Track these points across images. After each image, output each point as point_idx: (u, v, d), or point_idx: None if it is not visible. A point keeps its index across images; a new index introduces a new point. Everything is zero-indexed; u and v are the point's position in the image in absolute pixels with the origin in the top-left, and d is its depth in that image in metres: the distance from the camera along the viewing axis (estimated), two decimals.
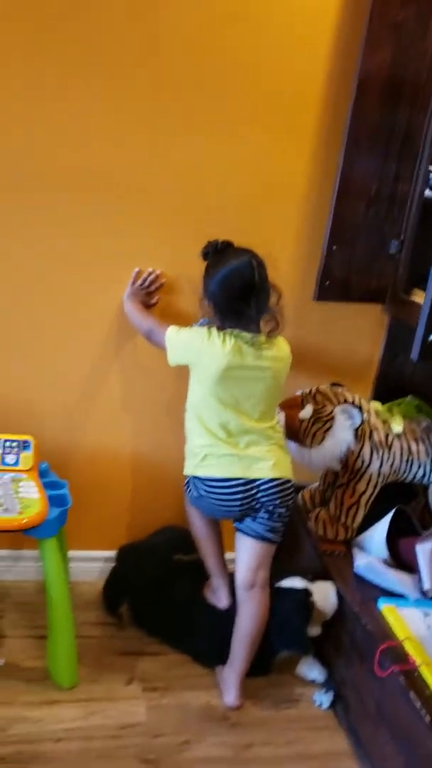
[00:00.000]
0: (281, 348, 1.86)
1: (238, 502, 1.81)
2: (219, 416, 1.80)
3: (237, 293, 1.77)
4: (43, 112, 1.90)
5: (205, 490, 1.83)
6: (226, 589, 2.05)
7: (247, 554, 1.88)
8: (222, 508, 1.84)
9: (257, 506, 1.82)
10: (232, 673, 1.91)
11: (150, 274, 2.08)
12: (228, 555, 2.08)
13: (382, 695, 1.71)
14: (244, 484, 1.79)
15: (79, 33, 1.86)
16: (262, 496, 1.81)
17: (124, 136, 1.97)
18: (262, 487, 1.81)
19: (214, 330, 1.79)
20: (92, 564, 2.32)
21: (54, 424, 2.17)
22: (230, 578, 2.05)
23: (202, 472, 1.83)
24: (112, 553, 2.30)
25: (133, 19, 1.88)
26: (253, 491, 1.80)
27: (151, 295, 2.10)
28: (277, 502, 1.82)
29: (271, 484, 1.81)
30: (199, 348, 1.79)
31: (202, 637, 2.03)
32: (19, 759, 1.64)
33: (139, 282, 2.08)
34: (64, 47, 1.86)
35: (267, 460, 1.82)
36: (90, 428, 2.21)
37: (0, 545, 2.27)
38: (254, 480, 1.80)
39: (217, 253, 1.81)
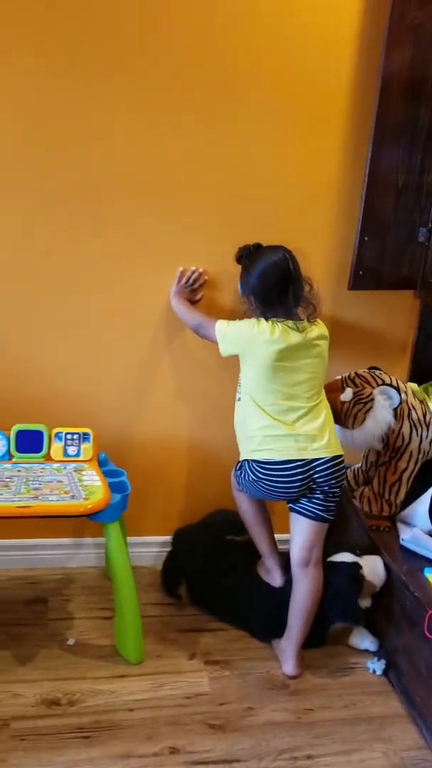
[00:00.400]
0: (321, 328, 1.98)
1: (297, 484, 1.91)
2: (274, 398, 1.91)
3: (276, 284, 1.89)
4: (108, 128, 2.05)
5: (263, 474, 1.94)
6: (279, 570, 2.16)
7: (302, 534, 1.99)
8: (280, 491, 1.94)
9: (313, 486, 1.93)
10: (289, 644, 2.02)
11: (193, 272, 2.21)
12: (277, 536, 2.19)
13: None
14: (302, 466, 1.90)
15: (142, 62, 2.02)
16: (318, 477, 1.92)
17: (172, 148, 2.10)
18: (318, 468, 1.91)
19: (261, 319, 1.91)
20: (148, 549, 2.45)
21: (109, 417, 2.31)
22: (282, 558, 2.16)
23: (260, 456, 1.93)
24: (166, 538, 2.42)
25: (186, 46, 2.02)
26: (310, 472, 1.91)
27: (195, 292, 2.23)
28: (333, 482, 1.93)
29: (326, 465, 1.91)
30: (248, 337, 1.91)
31: (259, 613, 2.14)
32: (97, 727, 1.77)
33: (184, 280, 2.20)
34: (128, 75, 2.01)
35: (321, 439, 1.92)
36: (143, 419, 2.34)
37: (63, 534, 2.41)
38: (311, 461, 1.91)
39: (250, 254, 1.93)
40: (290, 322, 1.90)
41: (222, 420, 2.27)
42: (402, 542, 2.12)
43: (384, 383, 2.19)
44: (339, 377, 2.24)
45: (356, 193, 2.21)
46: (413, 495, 2.23)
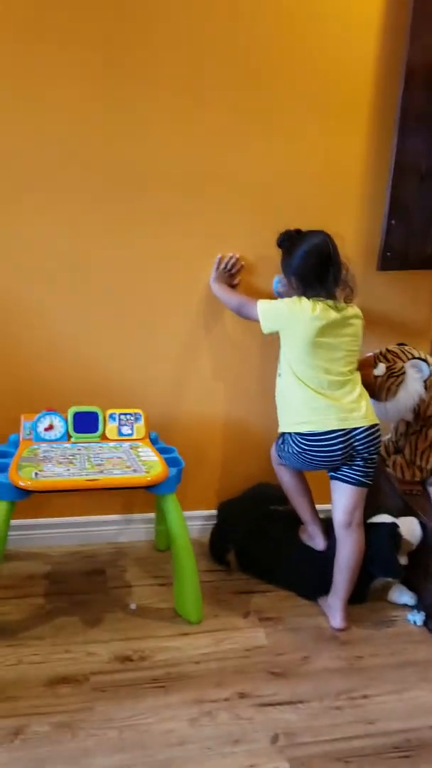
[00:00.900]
0: (356, 309, 2.13)
1: (339, 453, 2.07)
2: (314, 372, 2.06)
3: (318, 265, 2.04)
4: (150, 127, 2.19)
5: (307, 445, 2.09)
6: (321, 534, 2.32)
7: (344, 499, 2.15)
8: (323, 460, 2.10)
9: (354, 454, 2.09)
10: (336, 600, 2.19)
11: (231, 258, 2.35)
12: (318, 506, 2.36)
13: None
14: (343, 435, 2.06)
15: (177, 63, 2.14)
16: (358, 445, 2.07)
17: (209, 142, 2.24)
18: (358, 437, 2.07)
19: (302, 298, 2.06)
20: (192, 523, 2.57)
21: (155, 399, 2.45)
22: (323, 524, 2.33)
23: (303, 429, 2.09)
24: (209, 512, 2.58)
25: (218, 46, 2.14)
26: (351, 441, 2.07)
27: (233, 276, 2.38)
28: (372, 449, 2.09)
29: (365, 433, 2.07)
30: (289, 314, 2.06)
31: (305, 574, 2.31)
32: (169, 678, 1.93)
33: (222, 266, 2.35)
34: (165, 78, 2.14)
35: (359, 409, 2.08)
36: (184, 400, 2.49)
37: (113, 511, 2.56)
38: (352, 430, 2.06)
39: (291, 238, 2.08)
40: (330, 302, 2.06)
41: (258, 399, 2.44)
42: None
43: (414, 357, 2.35)
44: (371, 354, 2.40)
45: (383, 178, 2.36)
46: None
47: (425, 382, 2.32)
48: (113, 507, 2.56)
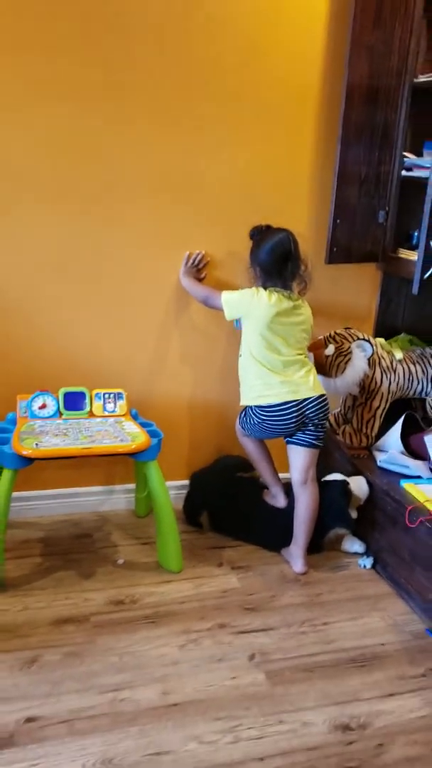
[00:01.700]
0: (307, 304, 2.48)
1: (294, 420, 2.41)
2: (270, 352, 2.39)
3: (279, 259, 2.37)
4: (127, 139, 2.49)
5: (266, 415, 2.43)
6: (283, 494, 2.66)
7: (299, 460, 2.49)
8: (281, 427, 2.44)
9: (306, 421, 2.43)
10: (297, 548, 2.53)
11: (197, 254, 2.67)
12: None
13: (413, 543, 2.34)
14: (296, 405, 2.40)
15: (153, 85, 2.45)
16: (310, 412, 2.42)
17: (179, 152, 2.56)
18: (309, 405, 2.41)
19: (260, 288, 2.39)
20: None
21: (135, 379, 2.75)
22: (283, 486, 2.67)
23: (262, 401, 2.42)
24: (180, 482, 2.89)
25: (187, 71, 2.46)
26: (303, 409, 2.41)
27: (200, 271, 2.70)
28: (321, 415, 2.44)
29: (314, 402, 2.42)
30: (249, 302, 2.40)
31: (269, 529, 2.64)
32: (158, 615, 2.24)
33: (190, 261, 2.67)
34: (141, 97, 2.45)
35: (307, 383, 2.43)
36: (160, 380, 2.79)
37: (96, 482, 2.85)
38: (303, 400, 2.41)
39: (262, 232, 2.41)
40: (285, 292, 2.40)
41: (221, 379, 2.80)
42: (379, 463, 2.65)
43: (359, 338, 2.71)
44: (322, 336, 2.75)
45: (328, 183, 2.71)
46: (384, 429, 2.77)
47: (369, 359, 2.68)
48: (96, 479, 2.85)
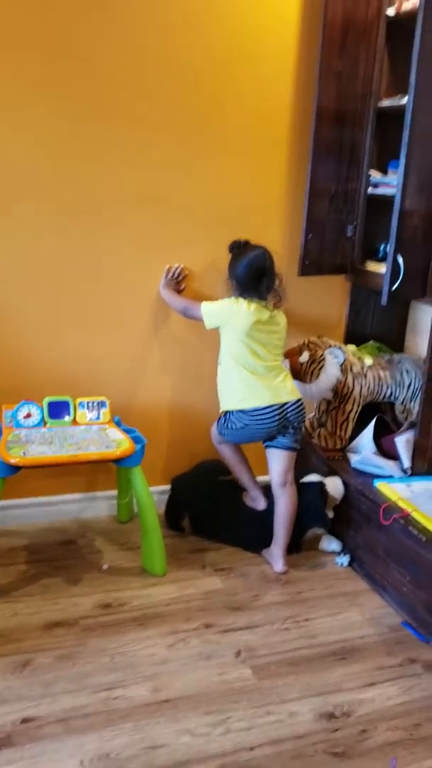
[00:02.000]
0: (282, 315, 2.59)
1: (276, 423, 2.51)
2: (251, 357, 2.50)
3: (254, 275, 2.48)
4: (110, 154, 2.58)
5: (250, 419, 2.52)
6: (262, 496, 2.76)
7: (278, 463, 2.60)
8: (263, 430, 2.53)
9: (286, 424, 2.54)
10: (277, 548, 2.63)
11: (177, 268, 2.77)
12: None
13: (387, 540, 2.46)
14: (278, 408, 2.51)
15: (142, 108, 2.56)
16: (290, 415, 2.53)
17: (163, 171, 2.67)
18: (289, 408, 2.52)
19: (239, 298, 2.50)
20: None
21: (116, 387, 2.83)
22: (262, 489, 2.77)
23: (246, 405, 2.52)
24: (162, 488, 2.97)
25: (173, 96, 2.57)
26: (285, 412, 2.52)
27: (179, 283, 2.79)
28: (300, 418, 2.55)
29: (294, 405, 2.53)
30: (229, 311, 2.50)
31: (249, 531, 2.73)
32: (145, 617, 2.31)
33: (170, 275, 2.76)
34: (129, 118, 2.54)
35: (285, 388, 2.54)
36: (141, 389, 2.88)
37: (78, 489, 2.91)
38: (284, 404, 2.51)
39: (240, 247, 2.52)
40: (261, 302, 2.51)
41: (199, 386, 2.90)
42: (353, 464, 2.77)
43: (331, 346, 2.83)
44: (296, 345, 2.86)
45: (300, 200, 2.83)
46: (356, 431, 2.89)
47: (341, 365, 2.80)
48: (78, 486, 2.91)
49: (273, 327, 2.53)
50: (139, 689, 1.99)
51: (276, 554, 2.63)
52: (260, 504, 2.75)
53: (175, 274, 2.77)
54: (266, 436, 2.58)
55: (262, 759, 1.78)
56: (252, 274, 2.48)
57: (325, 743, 1.84)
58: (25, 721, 1.86)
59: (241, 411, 2.53)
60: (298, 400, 2.55)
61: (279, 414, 2.51)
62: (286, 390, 2.54)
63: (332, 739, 1.85)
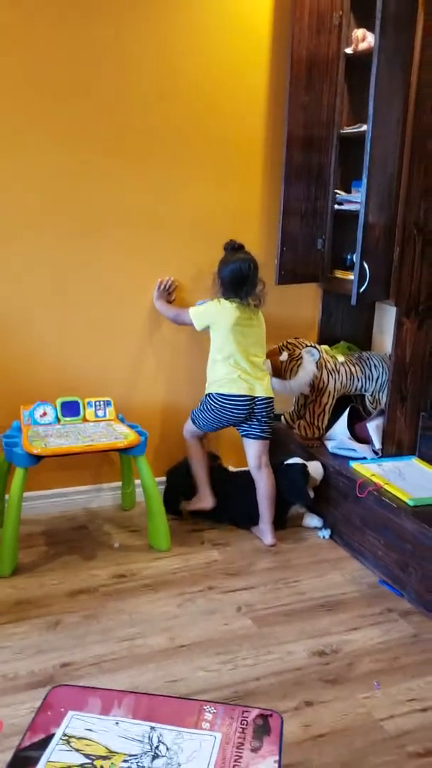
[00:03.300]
0: (261, 317, 2.97)
1: (244, 412, 2.89)
2: (235, 353, 2.87)
3: (236, 281, 2.85)
4: (112, 179, 2.93)
5: (225, 402, 2.88)
6: (210, 496, 3.08)
7: (252, 449, 2.97)
8: (233, 415, 2.90)
9: (251, 415, 2.91)
10: (264, 524, 2.98)
11: (168, 280, 3.13)
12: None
13: (363, 510, 2.82)
14: (249, 400, 2.88)
15: (132, 141, 2.91)
16: (257, 408, 2.90)
17: (153, 193, 3.03)
18: (258, 402, 2.90)
19: (222, 299, 2.88)
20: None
21: (118, 388, 3.16)
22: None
23: (223, 390, 2.89)
24: (158, 479, 3.29)
25: (155, 128, 2.93)
26: (253, 405, 2.89)
27: (170, 294, 3.15)
28: (265, 412, 2.93)
29: (263, 400, 2.91)
30: (215, 311, 2.88)
31: (239, 509, 3.07)
32: (155, 584, 2.64)
33: (162, 287, 3.12)
34: (127, 143, 2.90)
35: (261, 384, 2.91)
36: (138, 388, 3.22)
37: (85, 482, 3.23)
38: (255, 397, 2.89)
39: (234, 249, 2.89)
40: (242, 303, 2.88)
41: (186, 387, 3.25)
42: (331, 449, 3.14)
43: (307, 346, 3.20)
44: (276, 345, 3.23)
45: (275, 217, 3.22)
46: (332, 421, 3.26)
47: (316, 363, 3.17)
48: (86, 479, 3.24)
49: (253, 323, 2.91)
50: (156, 638, 2.32)
51: (264, 529, 2.98)
52: (207, 503, 3.09)
53: (167, 286, 3.12)
54: (234, 421, 2.93)
55: (267, 686, 2.11)
56: (234, 280, 2.85)
57: (319, 673, 2.18)
58: (63, 665, 2.17)
59: (219, 394, 2.89)
60: (269, 398, 2.93)
61: (248, 405, 2.89)
62: (261, 387, 2.91)
63: (325, 671, 2.20)
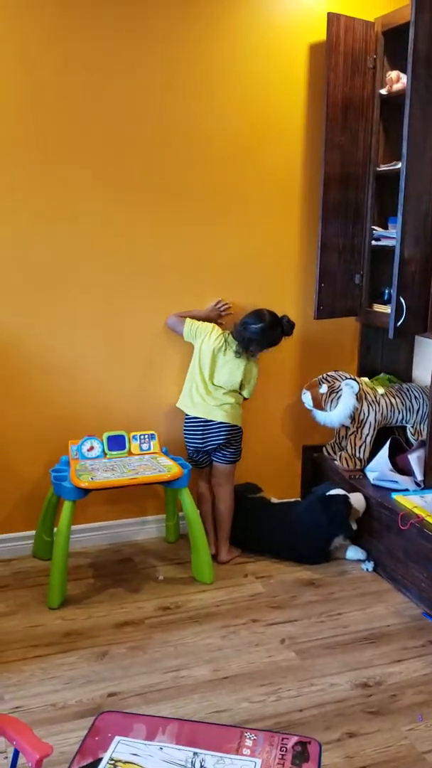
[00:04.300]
0: (253, 364, 3.07)
1: (200, 434, 3.05)
2: (202, 376, 3.02)
3: (249, 336, 2.98)
4: (148, 229, 3.05)
5: (185, 425, 3.09)
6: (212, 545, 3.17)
7: (216, 469, 3.13)
8: (191, 439, 3.08)
9: (210, 440, 3.04)
10: (219, 540, 3.14)
11: (226, 304, 3.23)
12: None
13: (406, 543, 2.83)
14: (202, 423, 3.04)
15: (172, 184, 3.04)
16: (211, 432, 3.03)
17: (192, 236, 3.14)
18: (212, 426, 3.03)
19: (215, 326, 3.04)
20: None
21: (161, 422, 3.25)
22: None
23: (180, 404, 3.09)
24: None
25: (193, 169, 3.06)
26: (207, 427, 3.03)
27: (220, 315, 3.23)
28: (219, 437, 3.03)
29: (217, 424, 3.02)
30: (197, 334, 3.07)
31: (279, 542, 3.11)
32: (200, 616, 2.68)
33: (218, 305, 3.21)
34: (162, 194, 3.03)
35: (221, 411, 3.02)
36: (182, 421, 3.29)
37: (131, 515, 3.31)
38: (209, 421, 3.03)
39: (272, 319, 3.01)
40: (234, 346, 2.99)
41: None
42: (373, 481, 3.16)
43: (347, 378, 3.25)
44: (315, 378, 3.28)
45: (313, 253, 3.29)
46: (373, 453, 3.29)
47: (356, 395, 3.21)
48: (132, 512, 3.31)
49: (228, 367, 3.02)
50: (201, 670, 2.36)
51: (217, 547, 3.14)
52: (231, 553, 3.19)
53: (221, 308, 3.19)
54: (197, 447, 3.07)
55: (310, 717, 2.13)
56: (247, 334, 3.00)
57: (362, 705, 2.19)
58: (110, 695, 2.23)
59: (185, 415, 3.06)
60: (224, 423, 3.02)
61: (203, 428, 3.03)
62: (219, 412, 3.02)
63: (368, 702, 2.21)
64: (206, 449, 3.07)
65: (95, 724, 1.46)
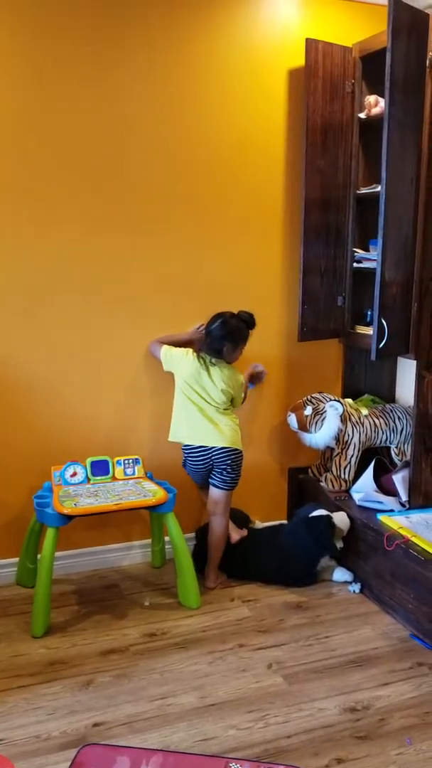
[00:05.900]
0: (232, 373, 3.03)
1: (202, 462, 3.02)
2: (195, 398, 2.99)
3: (216, 338, 2.97)
4: (133, 251, 3.06)
5: (186, 455, 3.06)
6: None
7: (212, 496, 3.09)
8: (194, 468, 3.07)
9: (213, 466, 3.02)
10: (210, 566, 3.10)
11: (263, 371, 3.28)
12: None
13: (392, 564, 2.82)
14: (203, 450, 3.00)
15: (155, 205, 3.05)
16: (215, 458, 2.99)
17: (174, 259, 3.14)
18: (215, 453, 2.98)
19: (189, 351, 3.02)
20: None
21: (145, 446, 3.23)
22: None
23: (184, 441, 3.04)
24: (186, 536, 3.33)
25: (180, 194, 3.08)
26: (209, 454, 2.99)
27: (253, 381, 3.27)
28: (222, 462, 3.00)
29: (219, 450, 2.97)
30: (179, 360, 3.03)
31: (269, 568, 3.08)
32: (186, 642, 2.65)
33: (256, 370, 3.25)
34: (147, 217, 3.04)
35: (222, 433, 2.98)
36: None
37: (116, 540, 3.28)
38: (210, 447, 2.98)
39: (241, 319, 2.99)
40: (208, 359, 2.98)
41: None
42: (358, 502, 3.15)
43: (331, 400, 3.25)
44: (300, 400, 3.29)
45: (295, 276, 3.31)
46: (358, 473, 3.29)
47: (341, 416, 3.22)
48: (116, 537, 3.28)
49: (210, 381, 2.99)
50: (188, 697, 2.33)
51: (206, 572, 3.09)
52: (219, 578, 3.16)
53: (203, 330, 3.11)
54: (201, 474, 3.06)
55: (298, 744, 2.11)
56: (214, 341, 2.98)
57: (351, 730, 2.17)
58: (95, 725, 2.19)
59: (183, 445, 3.04)
60: (225, 448, 2.98)
61: (204, 455, 3.00)
62: (219, 437, 2.98)
63: (356, 727, 2.18)
64: (208, 470, 3.05)
65: (77, 759, 1.43)
